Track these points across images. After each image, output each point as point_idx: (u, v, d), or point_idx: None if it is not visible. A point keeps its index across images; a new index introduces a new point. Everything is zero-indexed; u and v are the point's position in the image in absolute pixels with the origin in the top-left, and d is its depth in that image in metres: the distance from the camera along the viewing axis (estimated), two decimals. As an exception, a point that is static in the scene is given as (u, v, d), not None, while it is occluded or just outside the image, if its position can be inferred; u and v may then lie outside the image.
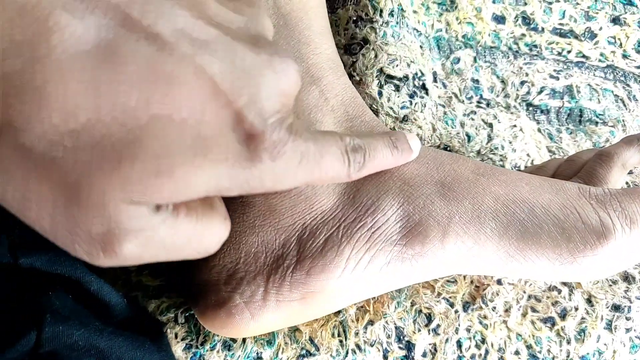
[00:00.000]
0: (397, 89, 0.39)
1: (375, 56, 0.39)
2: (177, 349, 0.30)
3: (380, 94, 0.39)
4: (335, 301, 0.28)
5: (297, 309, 0.28)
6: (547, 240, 0.27)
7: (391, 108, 0.39)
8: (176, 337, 0.30)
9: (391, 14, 0.41)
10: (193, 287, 0.29)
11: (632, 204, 0.28)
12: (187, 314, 0.31)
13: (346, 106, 0.29)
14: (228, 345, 0.30)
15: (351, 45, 0.40)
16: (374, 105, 0.39)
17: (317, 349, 0.31)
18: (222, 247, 0.28)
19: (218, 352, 0.30)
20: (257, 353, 0.30)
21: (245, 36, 0.18)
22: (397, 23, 0.41)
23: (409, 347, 0.31)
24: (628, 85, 0.47)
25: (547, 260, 0.27)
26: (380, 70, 0.39)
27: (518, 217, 0.28)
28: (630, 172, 0.42)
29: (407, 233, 0.28)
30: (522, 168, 0.41)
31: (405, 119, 0.39)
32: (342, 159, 0.22)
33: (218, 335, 0.30)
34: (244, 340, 0.30)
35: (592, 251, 0.27)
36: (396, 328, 0.32)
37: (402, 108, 0.39)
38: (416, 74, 0.40)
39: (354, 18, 0.41)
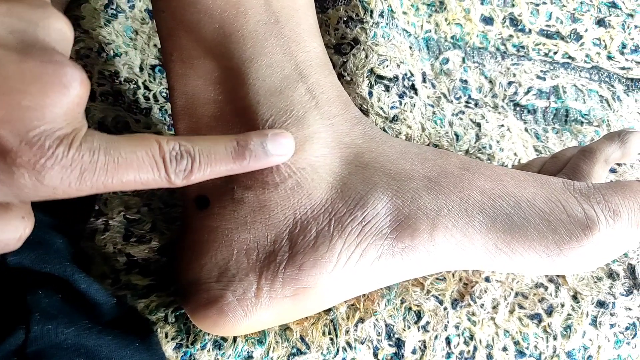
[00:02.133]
0: (387, 89, 0.39)
1: (366, 56, 0.39)
2: (168, 348, 0.30)
3: (370, 94, 0.39)
4: (328, 297, 0.28)
5: (290, 305, 0.28)
6: (533, 233, 0.28)
7: (381, 108, 0.39)
8: (166, 336, 0.30)
9: (381, 14, 0.41)
10: (184, 286, 0.29)
11: (615, 197, 0.28)
12: (177, 313, 0.31)
13: (330, 104, 0.29)
14: (219, 344, 0.30)
15: (341, 45, 0.40)
16: (364, 105, 0.39)
17: (308, 347, 0.31)
18: (213, 245, 0.28)
19: (209, 351, 0.30)
20: (248, 352, 0.30)
21: (12, 43, 0.18)
22: (387, 24, 0.41)
23: (399, 344, 0.32)
24: (612, 86, 0.48)
25: (534, 253, 0.28)
26: (371, 71, 0.39)
27: (505, 210, 0.28)
28: (614, 171, 0.43)
29: (397, 226, 0.28)
30: (510, 167, 0.41)
31: (395, 119, 0.39)
32: (153, 168, 0.22)
33: (208, 335, 0.30)
34: (234, 339, 0.30)
35: (577, 243, 0.28)
36: (386, 325, 0.32)
37: (391, 108, 0.39)
38: (406, 74, 0.41)
39: (345, 18, 0.41)
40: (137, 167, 0.21)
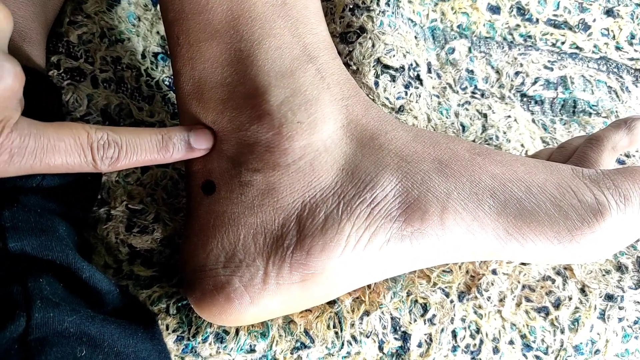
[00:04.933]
0: (393, 79, 0.39)
1: (373, 45, 0.39)
2: (168, 340, 0.29)
3: (376, 84, 0.38)
4: (336, 284, 0.28)
5: (298, 292, 0.27)
6: (545, 218, 0.27)
7: (387, 98, 0.39)
8: (167, 328, 0.30)
9: (387, 3, 0.40)
10: (189, 274, 0.29)
11: (625, 182, 0.28)
12: (178, 304, 0.30)
13: (341, 85, 0.29)
14: (220, 337, 0.30)
15: (347, 34, 0.40)
16: (370, 95, 0.39)
17: (312, 341, 0.30)
18: (220, 230, 0.28)
19: (210, 344, 0.29)
20: (251, 345, 0.30)
21: None
22: (393, 13, 0.40)
23: (405, 337, 0.31)
24: (621, 76, 0.47)
25: (545, 239, 0.27)
26: (378, 60, 0.39)
27: (515, 195, 0.28)
28: (623, 163, 0.42)
29: (406, 209, 0.27)
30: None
31: (401, 109, 0.39)
32: (80, 154, 0.24)
33: (210, 327, 0.30)
34: (237, 332, 0.30)
35: (589, 228, 0.27)
36: (392, 319, 0.32)
37: (397, 98, 0.39)
38: (411, 64, 0.40)
39: (351, 6, 0.40)
40: (64, 152, 0.24)
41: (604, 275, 0.35)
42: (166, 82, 0.38)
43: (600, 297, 0.34)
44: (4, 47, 0.22)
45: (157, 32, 0.39)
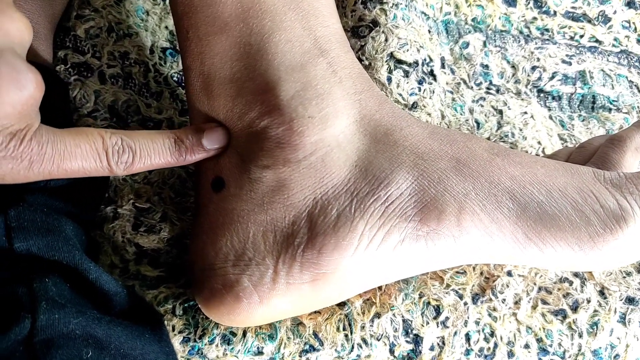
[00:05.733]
0: (406, 74, 0.38)
1: (386, 40, 0.38)
2: (175, 342, 0.29)
3: (389, 79, 0.38)
4: (347, 284, 0.27)
5: (308, 292, 0.27)
6: (566, 224, 0.27)
7: (400, 94, 0.38)
8: (173, 329, 0.29)
9: (400, -5, 0.39)
10: (197, 273, 0.28)
11: None
12: (185, 305, 0.30)
13: (354, 79, 0.28)
14: (227, 339, 0.29)
15: (359, 28, 0.39)
16: (382, 91, 0.38)
17: (322, 344, 0.30)
18: (229, 228, 0.27)
19: (217, 346, 0.29)
20: (258, 348, 0.29)
21: None
22: (406, 6, 0.39)
23: (417, 340, 0.31)
24: (642, 71, 0.46)
25: (566, 245, 0.27)
26: (391, 55, 0.38)
27: (536, 198, 0.27)
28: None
29: (422, 208, 0.27)
30: (533, 156, 0.40)
31: (414, 106, 0.38)
32: (96, 159, 0.25)
33: (217, 329, 0.29)
34: (244, 334, 0.29)
35: (612, 236, 0.26)
36: (404, 321, 0.31)
37: (411, 94, 0.38)
38: (425, 59, 0.39)
39: (362, -1, 0.39)
40: (81, 158, 0.24)
41: (624, 277, 0.34)
42: (174, 78, 0.38)
43: (621, 299, 0.33)
44: (24, 56, 0.22)
45: (166, 27, 0.39)
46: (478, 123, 0.41)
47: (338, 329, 0.30)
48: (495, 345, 0.31)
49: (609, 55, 0.46)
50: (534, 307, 0.32)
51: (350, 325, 0.30)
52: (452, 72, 0.43)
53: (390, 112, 0.28)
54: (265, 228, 0.27)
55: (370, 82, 0.29)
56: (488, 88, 0.43)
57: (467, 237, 0.27)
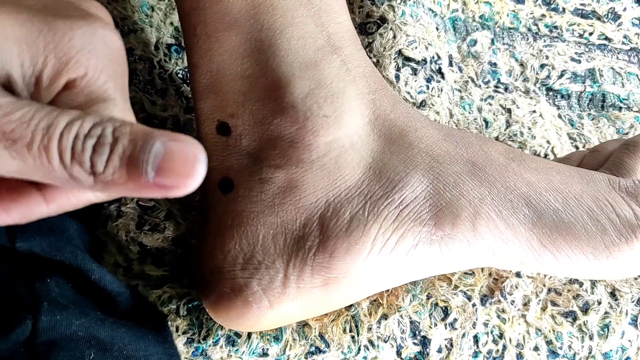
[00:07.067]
0: (415, 72, 0.38)
1: (394, 37, 0.37)
2: (178, 343, 0.28)
3: (397, 77, 0.37)
4: (359, 288, 0.27)
5: (319, 296, 0.26)
6: (582, 232, 0.26)
7: (408, 93, 0.37)
8: (177, 330, 0.29)
9: (408, -8, 0.39)
10: (204, 276, 0.28)
11: None
12: (189, 305, 0.30)
13: (367, 78, 0.28)
14: (232, 340, 0.29)
15: (367, 25, 0.38)
16: (388, 88, 0.37)
17: (328, 346, 0.29)
18: (238, 230, 0.27)
19: (221, 347, 0.29)
20: (263, 349, 0.29)
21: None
22: (415, 2, 0.39)
23: (424, 342, 0.30)
24: (653, 69, 0.45)
25: (581, 254, 0.26)
26: (399, 52, 0.37)
27: (552, 206, 0.27)
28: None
29: (437, 212, 0.26)
30: (542, 155, 0.40)
31: (422, 104, 0.38)
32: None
33: (222, 330, 0.29)
34: (249, 335, 0.29)
35: (627, 245, 0.26)
36: (411, 322, 0.30)
37: (419, 93, 0.38)
38: (433, 57, 0.39)
39: (370, -5, 0.39)
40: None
41: (636, 279, 0.34)
42: (180, 75, 0.37)
43: (632, 301, 0.32)
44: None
45: (171, 23, 0.38)
46: (486, 122, 0.41)
47: (344, 330, 0.30)
48: (504, 347, 0.31)
49: (618, 53, 0.45)
50: (544, 309, 0.32)
51: (356, 326, 0.30)
52: (460, 70, 0.42)
53: (405, 112, 0.28)
54: (275, 230, 0.26)
55: (383, 81, 0.28)
56: (496, 86, 0.43)
57: (481, 243, 0.26)
